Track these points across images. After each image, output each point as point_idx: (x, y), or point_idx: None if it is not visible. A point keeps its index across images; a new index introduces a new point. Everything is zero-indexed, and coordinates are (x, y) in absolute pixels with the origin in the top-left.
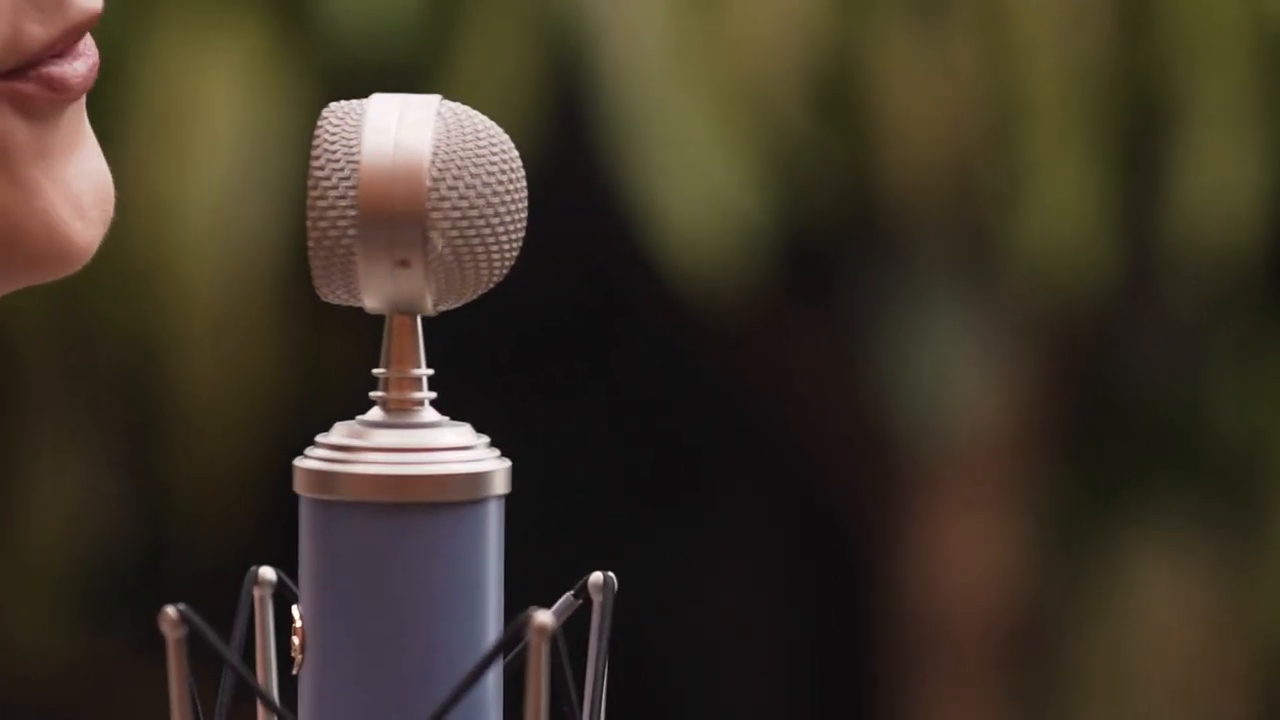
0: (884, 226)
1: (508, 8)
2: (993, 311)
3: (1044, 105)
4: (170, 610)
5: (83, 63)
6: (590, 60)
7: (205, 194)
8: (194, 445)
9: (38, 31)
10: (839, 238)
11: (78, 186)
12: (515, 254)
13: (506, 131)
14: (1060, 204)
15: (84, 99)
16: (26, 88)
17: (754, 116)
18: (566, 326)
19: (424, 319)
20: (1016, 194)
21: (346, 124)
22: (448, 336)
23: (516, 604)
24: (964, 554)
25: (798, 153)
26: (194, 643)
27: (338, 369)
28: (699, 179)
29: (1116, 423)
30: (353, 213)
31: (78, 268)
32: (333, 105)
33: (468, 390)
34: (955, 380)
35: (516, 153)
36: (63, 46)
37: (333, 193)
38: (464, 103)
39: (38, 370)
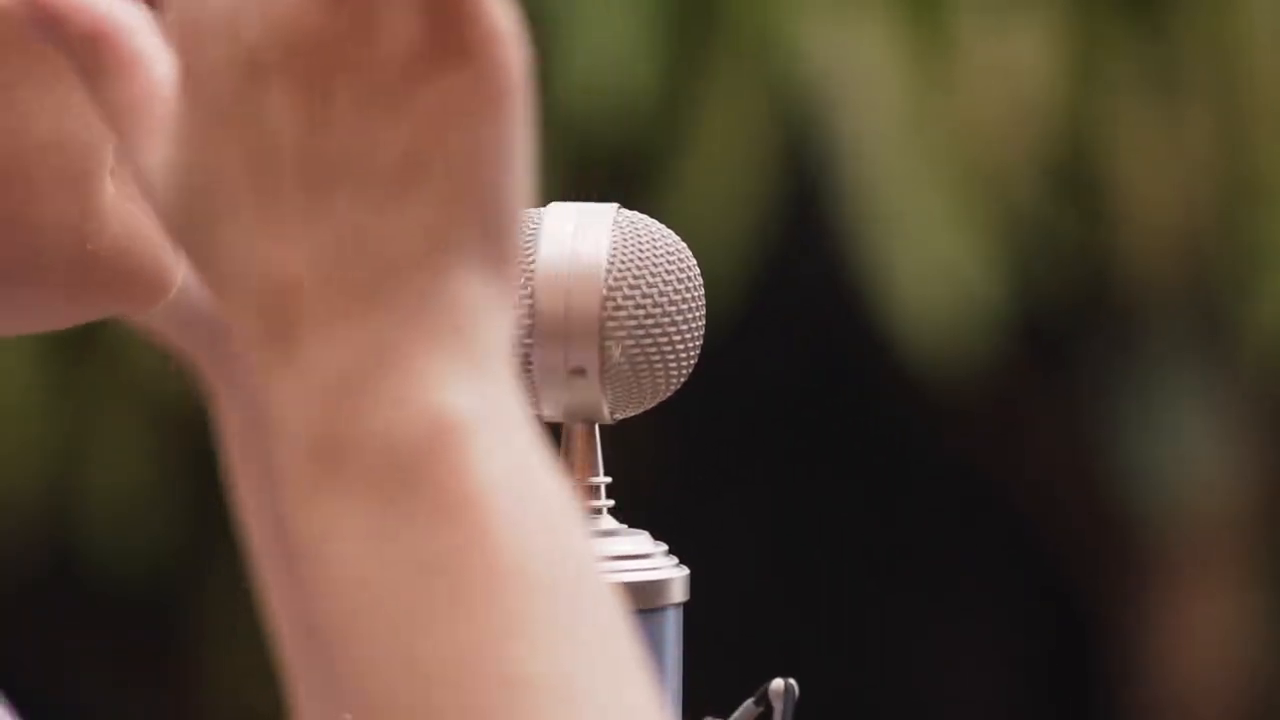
0: (1119, 305)
1: (744, 90)
2: (1229, 388)
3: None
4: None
5: None
6: (825, 141)
7: None
8: None
9: None
10: (1074, 316)
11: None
12: (693, 362)
13: (742, 210)
14: None
15: None
16: None
17: (988, 195)
18: (800, 404)
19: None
20: (1252, 270)
21: (522, 232)
22: (678, 414)
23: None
24: (1203, 632)
25: (1032, 231)
26: None
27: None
28: (933, 258)
29: None
30: (528, 322)
31: (160, 301)
32: None
33: (700, 467)
34: (1191, 458)
35: (694, 261)
36: None
37: None
38: (701, 184)
39: None
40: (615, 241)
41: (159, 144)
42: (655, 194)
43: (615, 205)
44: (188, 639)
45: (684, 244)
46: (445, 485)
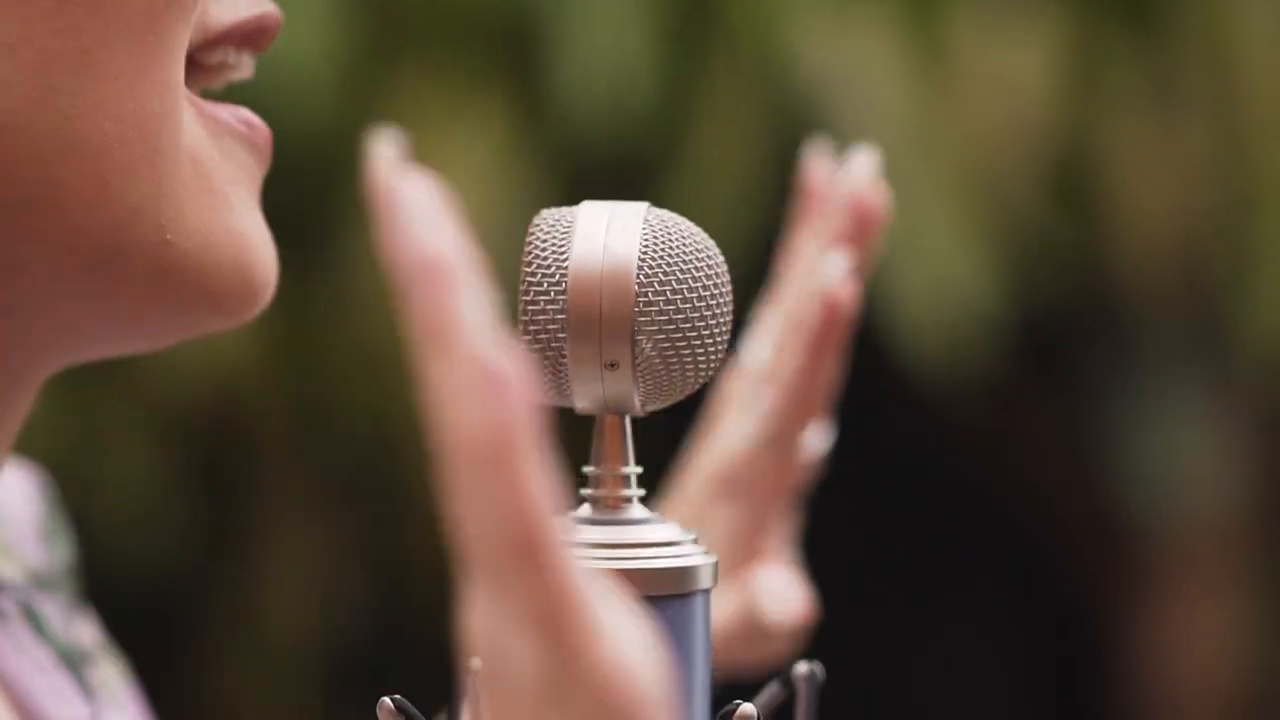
0: (1116, 312)
1: (741, 96)
2: (1225, 395)
3: (1275, 191)
4: (387, 701)
5: (263, 124)
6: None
7: None
8: (429, 533)
9: (222, 14)
10: (1071, 323)
11: (263, 231)
12: (721, 357)
13: (740, 217)
14: None
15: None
16: (223, 114)
17: (987, 203)
18: None
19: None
20: (1247, 278)
21: (557, 230)
22: (677, 424)
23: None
24: (1199, 639)
25: (1030, 239)
26: None
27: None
28: (932, 265)
29: None
30: (562, 316)
31: (252, 311)
32: (544, 212)
33: None
34: (1188, 465)
35: (722, 258)
36: (240, 36)
37: (543, 297)
38: (699, 191)
39: (278, 460)
40: (646, 238)
41: None
42: (653, 201)
43: (646, 204)
44: (190, 653)
45: (712, 241)
46: None
